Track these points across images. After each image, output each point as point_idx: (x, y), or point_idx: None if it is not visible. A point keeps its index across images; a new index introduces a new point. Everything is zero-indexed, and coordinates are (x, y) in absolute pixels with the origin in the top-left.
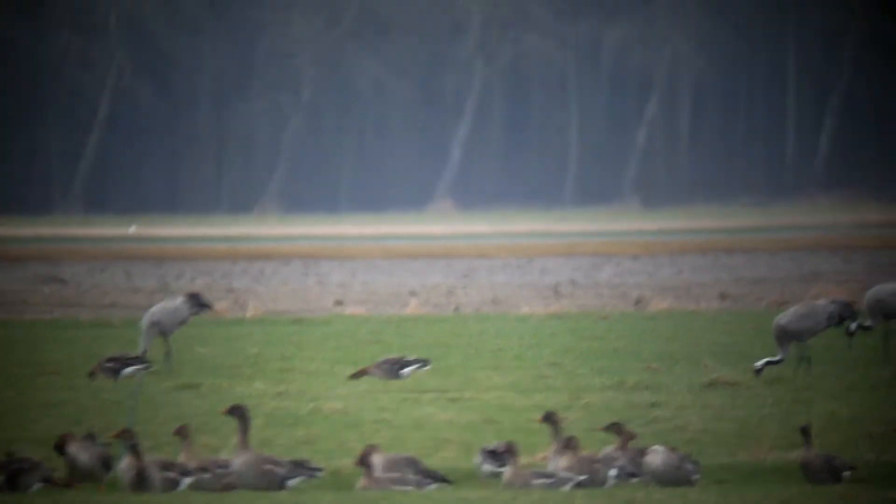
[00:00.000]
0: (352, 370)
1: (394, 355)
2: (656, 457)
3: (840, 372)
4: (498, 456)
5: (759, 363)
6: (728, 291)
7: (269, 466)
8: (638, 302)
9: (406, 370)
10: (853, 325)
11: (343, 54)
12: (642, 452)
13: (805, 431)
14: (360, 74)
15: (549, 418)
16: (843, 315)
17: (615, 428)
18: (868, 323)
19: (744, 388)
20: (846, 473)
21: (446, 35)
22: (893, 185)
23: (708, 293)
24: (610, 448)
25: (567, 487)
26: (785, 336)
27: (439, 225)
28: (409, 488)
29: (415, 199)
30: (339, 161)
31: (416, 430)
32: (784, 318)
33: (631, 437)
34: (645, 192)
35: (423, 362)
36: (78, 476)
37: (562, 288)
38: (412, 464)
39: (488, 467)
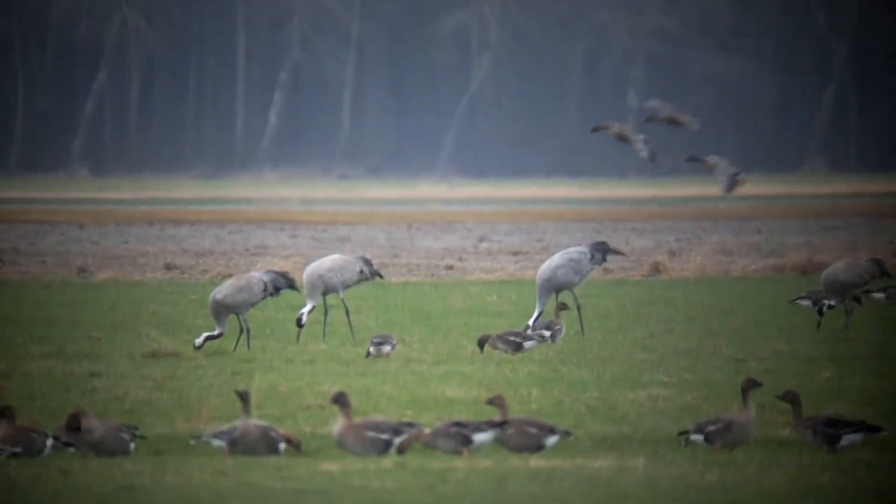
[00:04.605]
0: None
1: None
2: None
3: (284, 344)
4: None
5: (199, 339)
6: (174, 262)
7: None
8: (82, 271)
9: None
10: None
11: None
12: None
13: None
14: None
15: None
16: (276, 285)
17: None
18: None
19: (185, 358)
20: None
21: None
22: (338, 162)
23: (152, 263)
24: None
25: (1, 457)
26: (221, 309)
27: None
28: None
29: None
30: None
31: None
32: (220, 292)
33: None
34: (93, 162)
35: None
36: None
37: (4, 255)
38: None
39: None
